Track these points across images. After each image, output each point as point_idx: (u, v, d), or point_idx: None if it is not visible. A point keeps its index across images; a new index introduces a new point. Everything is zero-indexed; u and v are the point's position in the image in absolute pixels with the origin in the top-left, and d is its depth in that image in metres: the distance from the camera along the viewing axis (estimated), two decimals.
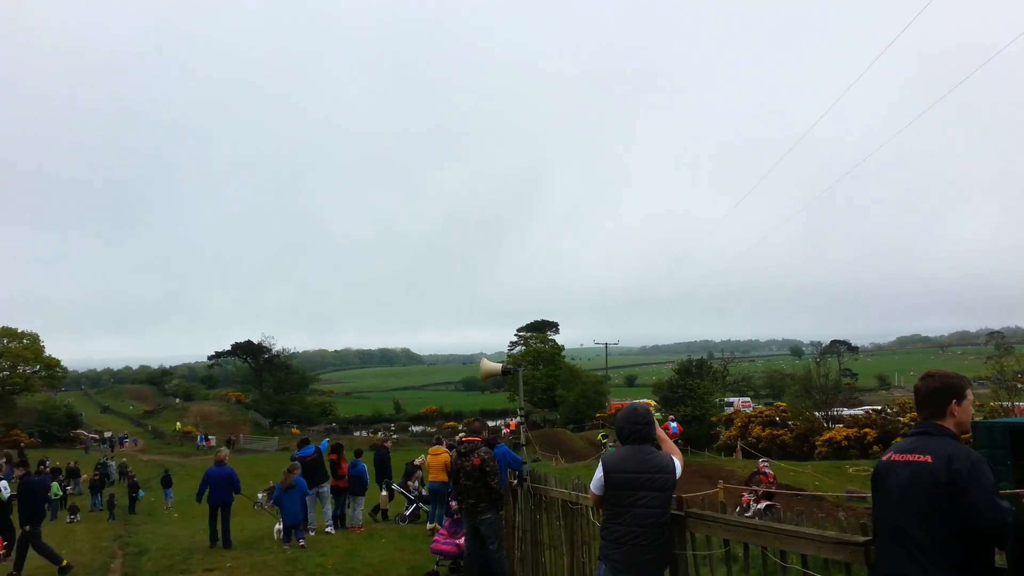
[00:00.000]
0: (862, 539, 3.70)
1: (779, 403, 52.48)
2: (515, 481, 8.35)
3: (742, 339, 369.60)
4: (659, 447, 4.93)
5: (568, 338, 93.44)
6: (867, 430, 36.64)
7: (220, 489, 13.32)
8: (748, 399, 73.51)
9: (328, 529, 14.10)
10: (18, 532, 11.33)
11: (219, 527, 13.17)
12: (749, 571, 4.56)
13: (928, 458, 3.15)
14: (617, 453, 4.79)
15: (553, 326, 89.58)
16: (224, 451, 14.71)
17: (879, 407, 44.29)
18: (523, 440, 8.65)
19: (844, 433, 37.29)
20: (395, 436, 66.52)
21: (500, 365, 8.90)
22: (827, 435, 38.38)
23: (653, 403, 66.74)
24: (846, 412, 45.24)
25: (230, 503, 13.41)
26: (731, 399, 66.16)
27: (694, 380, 52.75)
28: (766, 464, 19.04)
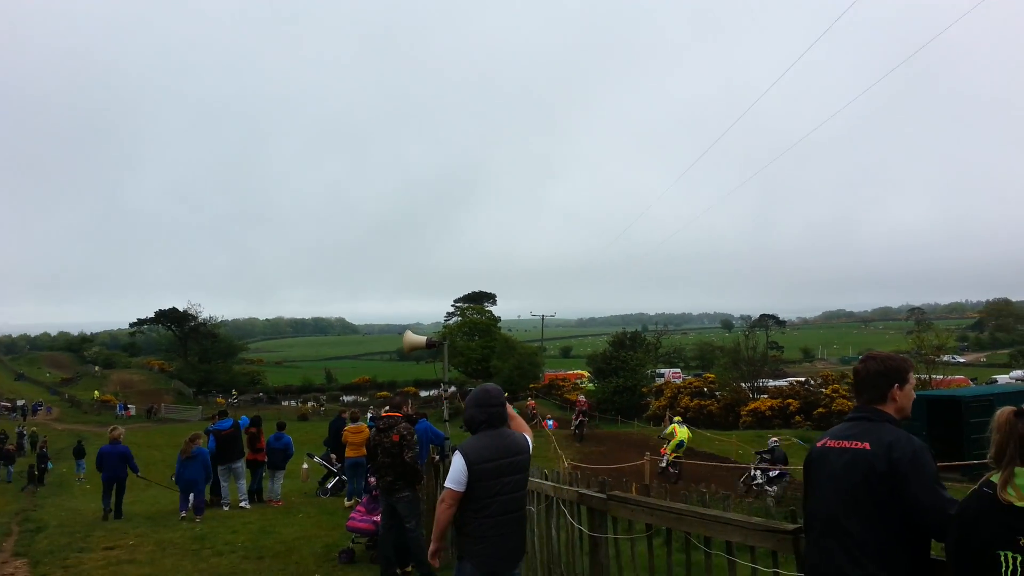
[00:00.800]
0: (791, 527, 3.45)
1: (708, 374, 53.56)
2: (436, 457, 8.00)
3: (676, 312, 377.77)
4: (508, 426, 4.48)
5: (505, 310, 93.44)
6: (790, 401, 37.61)
7: (114, 466, 13.46)
8: (679, 371, 74.96)
9: (243, 504, 13.51)
10: None
11: (113, 502, 13.34)
12: (671, 556, 4.28)
13: (867, 445, 2.85)
14: (475, 442, 4.19)
15: (490, 297, 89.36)
16: (119, 429, 14.45)
17: (803, 379, 45.58)
18: (446, 415, 8.26)
19: (768, 404, 38.21)
20: (324, 407, 65.57)
21: (425, 338, 8.47)
22: (752, 405, 39.30)
23: (587, 374, 67.52)
24: (771, 383, 46.46)
25: (124, 479, 13.57)
26: (662, 370, 67.28)
27: (627, 352, 53.33)
28: (582, 396, 32.82)
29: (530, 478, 5.83)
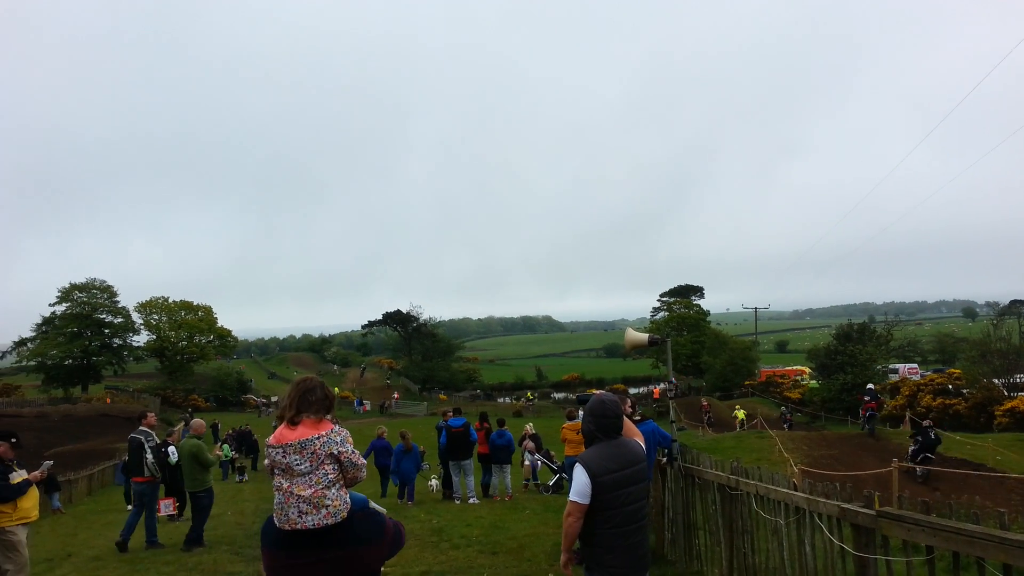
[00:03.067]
0: None
1: (952, 370, 48.18)
2: (664, 459, 7.79)
3: (907, 301, 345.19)
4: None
5: (714, 303, 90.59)
6: None
7: (382, 456, 16.57)
8: (915, 366, 68.08)
9: (471, 500, 14.11)
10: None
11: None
12: None
13: None
14: (597, 453, 4.12)
15: (698, 291, 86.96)
16: (383, 428, 17.63)
17: None
18: (672, 416, 8.02)
19: None
20: (536, 402, 67.18)
21: (647, 335, 8.27)
22: (1009, 404, 34.70)
23: (808, 370, 63.43)
24: None
25: (388, 467, 16.44)
26: (896, 366, 61.53)
27: (855, 345, 49.28)
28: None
29: (776, 487, 5.48)
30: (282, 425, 3.13)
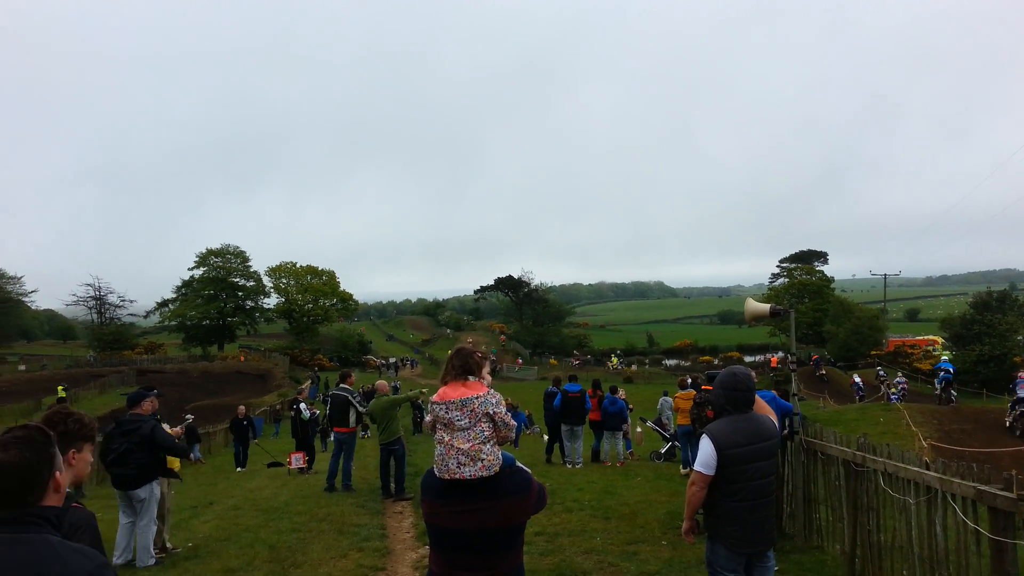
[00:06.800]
0: None
1: None
2: (784, 432, 7.61)
3: None
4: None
5: (840, 269, 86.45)
6: None
7: None
8: None
9: (579, 463, 14.28)
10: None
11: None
12: None
13: None
14: (725, 425, 4.12)
15: (821, 256, 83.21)
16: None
17: None
18: (795, 389, 7.80)
19: None
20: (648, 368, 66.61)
21: (768, 306, 8.05)
22: None
23: (940, 340, 59.65)
24: None
25: None
26: None
27: (993, 315, 45.89)
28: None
29: (907, 466, 5.27)
30: (445, 385, 3.45)
